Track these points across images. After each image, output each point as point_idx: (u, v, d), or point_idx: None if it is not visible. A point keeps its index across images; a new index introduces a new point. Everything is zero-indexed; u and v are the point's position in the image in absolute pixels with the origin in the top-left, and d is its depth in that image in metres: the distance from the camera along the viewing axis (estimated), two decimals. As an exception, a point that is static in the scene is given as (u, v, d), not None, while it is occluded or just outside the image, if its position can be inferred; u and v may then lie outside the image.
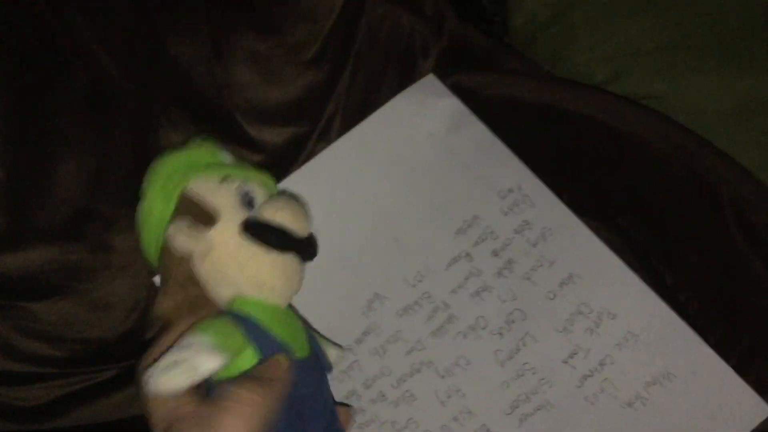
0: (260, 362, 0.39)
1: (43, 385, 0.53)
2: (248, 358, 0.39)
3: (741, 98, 0.58)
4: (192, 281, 0.42)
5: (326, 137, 0.58)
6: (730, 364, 0.50)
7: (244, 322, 0.39)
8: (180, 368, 0.35)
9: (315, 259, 0.45)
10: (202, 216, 0.42)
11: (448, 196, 0.55)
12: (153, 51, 0.56)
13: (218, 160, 0.46)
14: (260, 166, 0.54)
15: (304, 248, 0.43)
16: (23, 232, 0.51)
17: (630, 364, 0.51)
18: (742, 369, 0.50)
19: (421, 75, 0.59)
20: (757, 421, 0.48)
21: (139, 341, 0.54)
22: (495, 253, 0.54)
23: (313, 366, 0.43)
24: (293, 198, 0.45)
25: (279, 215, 0.42)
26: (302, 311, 0.51)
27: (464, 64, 0.60)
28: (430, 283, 0.54)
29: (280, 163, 0.57)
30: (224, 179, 0.44)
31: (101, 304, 0.53)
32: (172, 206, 0.43)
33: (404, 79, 0.59)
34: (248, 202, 0.43)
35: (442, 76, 0.58)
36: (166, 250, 0.43)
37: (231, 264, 0.41)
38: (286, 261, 0.42)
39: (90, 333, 0.53)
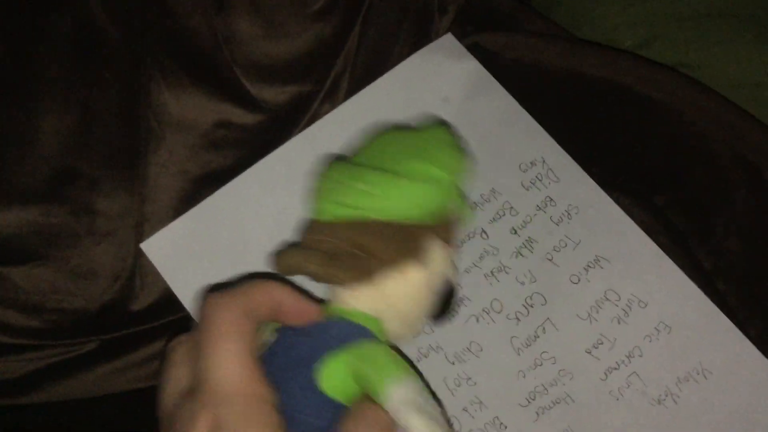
0: None
1: (18, 358, 0.50)
2: None
3: None
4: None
5: (332, 98, 0.53)
6: (772, 360, 0.46)
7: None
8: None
9: None
10: (414, 250, 0.40)
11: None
12: (146, -3, 0.51)
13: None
14: (262, 129, 0.50)
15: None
16: (-2, 192, 0.47)
17: (661, 358, 0.47)
18: (785, 366, 0.45)
19: (438, 34, 0.54)
20: (803, 425, 0.44)
21: (122, 313, 0.51)
22: (514, 231, 0.50)
23: None
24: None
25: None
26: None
27: (485, 23, 0.56)
28: (442, 261, 0.49)
29: (281, 124, 0.53)
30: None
31: (82, 272, 0.50)
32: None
33: (419, 37, 0.54)
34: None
35: (461, 36, 0.54)
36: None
37: (407, 309, 0.40)
38: None
39: (70, 303, 0.50)
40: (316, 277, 0.38)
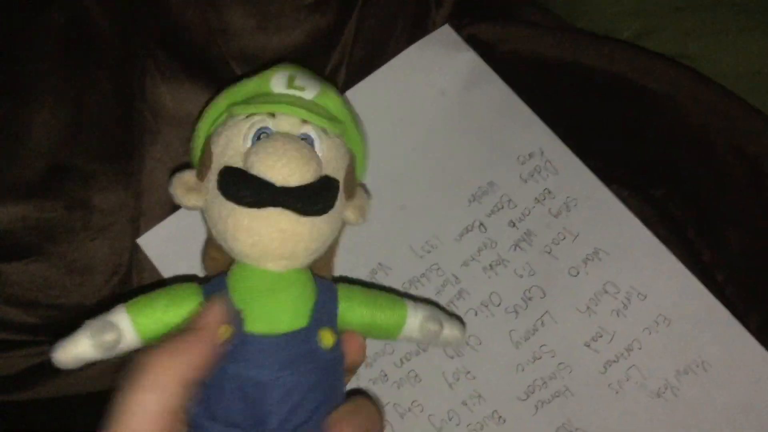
0: None
1: (15, 354, 0.49)
2: None
3: None
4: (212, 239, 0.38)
5: (329, 91, 0.52)
6: (771, 352, 0.45)
7: (213, 288, 0.35)
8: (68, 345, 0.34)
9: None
10: (204, 163, 0.37)
11: (462, 159, 0.50)
12: (139, -10, 0.51)
13: (267, 89, 0.38)
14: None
15: (295, 201, 0.34)
16: (-8, 187, 0.47)
17: (660, 350, 0.46)
18: (784, 359, 0.45)
19: (435, 26, 0.54)
20: (802, 418, 0.44)
21: (120, 309, 0.49)
22: (512, 224, 0.49)
23: (285, 346, 0.34)
24: (292, 141, 0.35)
25: (253, 162, 0.34)
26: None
27: (481, 14, 0.55)
28: (440, 254, 0.49)
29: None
30: (247, 116, 0.36)
31: (79, 267, 0.50)
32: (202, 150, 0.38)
33: (416, 29, 0.54)
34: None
35: (457, 28, 0.53)
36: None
37: (213, 222, 0.36)
38: (268, 220, 0.34)
39: (66, 298, 0.50)
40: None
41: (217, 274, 0.38)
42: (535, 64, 0.53)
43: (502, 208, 0.50)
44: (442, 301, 0.49)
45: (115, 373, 0.51)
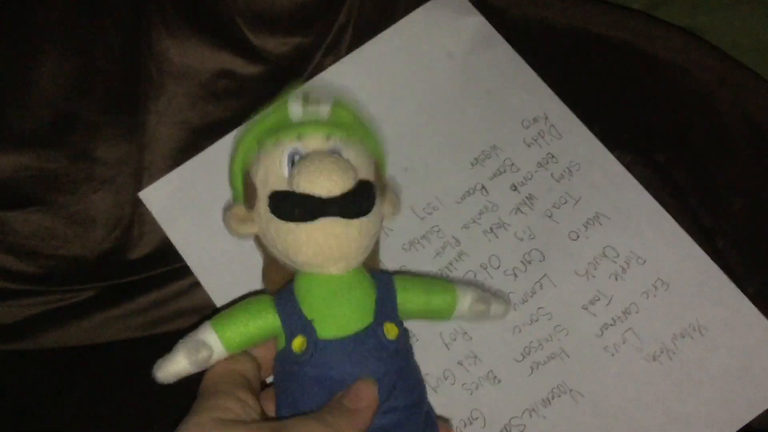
0: (284, 331, 0.38)
1: (13, 303, 0.49)
2: (275, 326, 0.38)
3: None
4: (272, 260, 0.41)
5: (335, 51, 0.53)
6: (768, 318, 0.45)
7: (284, 300, 0.38)
8: (166, 363, 0.37)
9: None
10: (250, 194, 0.40)
11: (466, 122, 0.50)
12: (148, -57, 0.50)
13: (287, 119, 0.41)
14: (263, 80, 0.50)
15: (342, 208, 0.37)
16: (-5, 135, 0.47)
17: (657, 314, 0.47)
18: (782, 325, 0.45)
19: (445, -11, 0.53)
20: (798, 384, 0.44)
21: (120, 261, 0.50)
22: (514, 188, 0.49)
23: (356, 345, 0.37)
24: (328, 157, 0.37)
25: (299, 181, 0.36)
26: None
27: (492, -21, 0.54)
28: (440, 216, 0.49)
29: (282, 75, 0.52)
30: (275, 145, 0.39)
31: (80, 219, 0.50)
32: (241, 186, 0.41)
33: (425, -9, 0.53)
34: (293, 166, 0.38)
35: (467, -8, 0.53)
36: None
37: (273, 243, 0.38)
38: (323, 229, 0.37)
39: (67, 249, 0.50)
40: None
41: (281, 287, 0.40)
42: (544, 29, 0.53)
43: (505, 171, 0.50)
44: (442, 263, 0.49)
45: (115, 325, 0.51)
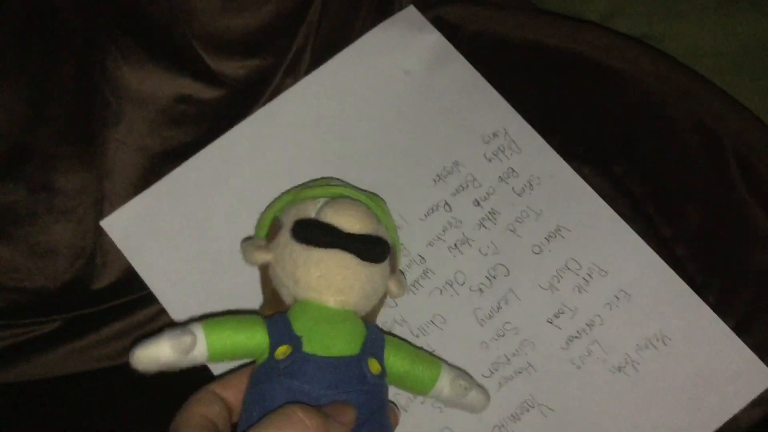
0: (270, 346, 0.37)
1: (-23, 338, 0.48)
2: (262, 343, 0.38)
3: (744, 41, 0.54)
4: (273, 292, 0.42)
5: (294, 72, 0.53)
6: (729, 325, 0.46)
7: (276, 320, 0.38)
8: (150, 347, 0.36)
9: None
10: (274, 230, 0.42)
11: (427, 139, 0.50)
12: (101, -31, 0.50)
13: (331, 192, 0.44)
14: (222, 104, 0.50)
15: (357, 245, 0.39)
16: (-50, 169, 0.46)
17: (621, 325, 0.47)
18: (742, 331, 0.46)
19: (401, 6, 0.54)
20: (760, 389, 0.44)
21: (84, 291, 0.50)
22: (477, 203, 0.49)
23: (337, 367, 0.37)
24: (357, 201, 0.42)
25: (326, 212, 0.40)
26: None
27: (448, -5, 0.54)
28: (405, 234, 0.49)
29: (242, 99, 0.52)
30: (314, 199, 0.42)
31: (42, 251, 0.49)
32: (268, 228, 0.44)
33: (382, 10, 0.54)
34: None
35: (424, 9, 0.53)
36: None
37: (283, 265, 0.40)
38: (334, 258, 0.39)
39: (30, 282, 0.49)
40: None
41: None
42: (500, 44, 0.53)
43: (467, 187, 0.50)
44: (408, 281, 0.49)
45: (82, 356, 0.50)
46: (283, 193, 0.46)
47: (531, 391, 0.46)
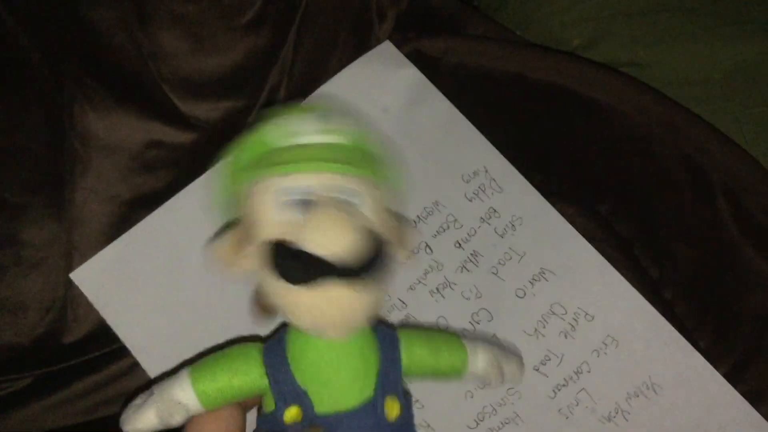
0: (274, 398, 0.34)
1: (-52, 397, 0.47)
2: (268, 400, 0.34)
3: (733, 67, 0.53)
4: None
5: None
6: (722, 371, 0.45)
7: (274, 358, 0.34)
8: (138, 416, 0.34)
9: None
10: (244, 231, 0.35)
11: (406, 178, 0.48)
12: (66, 15, 0.49)
13: (285, 137, 0.36)
14: (195, 147, 0.48)
15: (347, 272, 0.32)
16: None
17: (610, 373, 0.45)
18: (736, 377, 0.45)
19: (378, 41, 0.52)
20: (752, 439, 0.42)
21: (55, 346, 0.48)
22: (458, 244, 0.48)
23: (353, 423, 0.34)
24: (334, 202, 0.34)
25: (303, 237, 0.32)
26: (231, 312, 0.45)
27: (426, 27, 0.54)
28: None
29: (216, 142, 0.50)
30: (271, 179, 0.34)
31: (11, 306, 0.48)
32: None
33: (358, 45, 0.52)
34: (298, 205, 0.34)
35: (401, 42, 0.52)
36: None
37: (270, 295, 0.34)
38: (327, 295, 0.32)
39: (0, 338, 0.47)
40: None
41: (272, 333, 0.38)
42: (481, 76, 0.52)
43: (448, 228, 0.48)
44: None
45: (54, 412, 0.49)
46: (233, 150, 0.37)
47: (518, 443, 0.45)
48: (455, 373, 0.38)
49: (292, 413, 0.33)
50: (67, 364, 0.48)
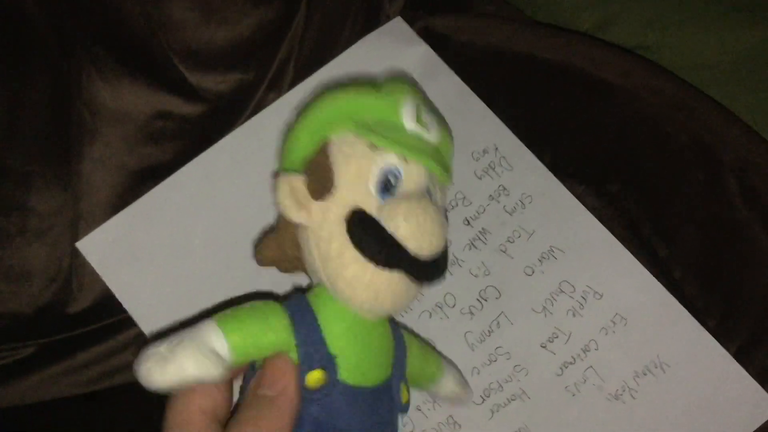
0: (299, 359, 0.32)
1: (-51, 364, 0.46)
2: (287, 343, 0.33)
3: (742, 52, 0.52)
4: (294, 243, 0.35)
5: (277, 86, 0.51)
6: (731, 350, 0.44)
7: (303, 318, 0.33)
8: (168, 366, 0.29)
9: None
10: (322, 180, 0.34)
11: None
12: (76, -17, 0.48)
13: (397, 120, 0.35)
14: (203, 119, 0.48)
15: (420, 270, 0.33)
16: None
17: (617, 351, 0.45)
18: (744, 356, 0.44)
19: (388, 18, 0.52)
20: (762, 418, 0.42)
21: (60, 315, 0.48)
22: (467, 222, 0.48)
23: (372, 400, 0.34)
24: (433, 205, 0.34)
25: (398, 222, 0.32)
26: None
27: (436, 6, 0.53)
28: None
29: (223, 114, 0.50)
30: (374, 148, 0.34)
31: (16, 274, 0.47)
32: (311, 153, 0.35)
33: (368, 21, 0.52)
34: (385, 186, 0.34)
35: (412, 19, 0.51)
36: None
37: (325, 253, 0.33)
38: (390, 280, 0.33)
39: (3, 306, 0.47)
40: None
41: (291, 292, 0.38)
42: (490, 55, 0.52)
43: (457, 205, 0.48)
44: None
45: (58, 382, 0.48)
46: (341, 97, 0.36)
47: (524, 419, 0.45)
48: (430, 382, 0.40)
49: (315, 376, 0.32)
50: (70, 333, 0.48)
